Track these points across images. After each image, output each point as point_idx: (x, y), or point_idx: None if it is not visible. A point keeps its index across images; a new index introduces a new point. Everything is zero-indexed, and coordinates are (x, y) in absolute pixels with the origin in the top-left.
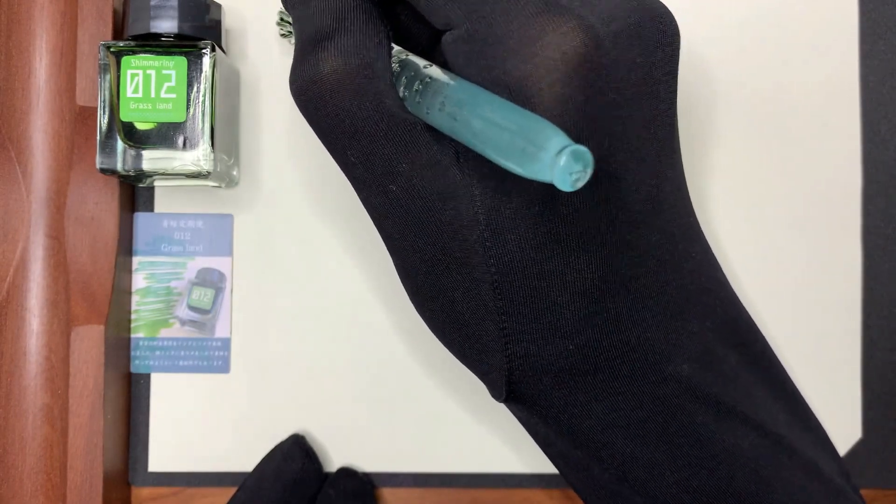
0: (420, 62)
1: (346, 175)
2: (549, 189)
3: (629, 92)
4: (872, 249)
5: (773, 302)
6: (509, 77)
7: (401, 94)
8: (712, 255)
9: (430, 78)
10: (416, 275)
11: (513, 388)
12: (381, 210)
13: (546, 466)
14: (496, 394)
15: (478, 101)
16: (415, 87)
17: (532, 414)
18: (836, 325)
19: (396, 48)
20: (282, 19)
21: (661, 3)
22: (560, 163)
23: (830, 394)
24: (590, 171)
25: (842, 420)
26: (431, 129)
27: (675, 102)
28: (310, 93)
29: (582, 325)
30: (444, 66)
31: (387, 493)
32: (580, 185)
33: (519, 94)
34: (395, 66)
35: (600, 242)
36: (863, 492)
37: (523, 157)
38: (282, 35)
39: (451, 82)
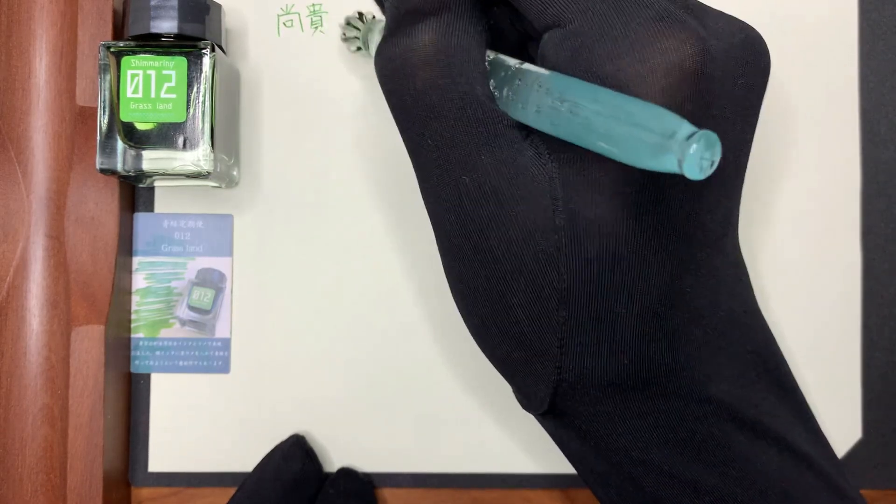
0: (512, 60)
1: (414, 160)
2: (637, 198)
3: (727, 112)
4: (872, 249)
5: (772, 302)
6: (622, 74)
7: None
8: (749, 278)
9: (529, 72)
10: (471, 277)
11: (556, 400)
12: (445, 203)
13: (546, 466)
14: (534, 406)
15: (589, 92)
16: (507, 85)
17: (568, 429)
18: (836, 325)
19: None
20: (349, 23)
21: (758, 31)
22: (690, 150)
23: (830, 394)
24: (717, 160)
25: (842, 420)
26: (518, 127)
27: (755, 132)
28: (399, 62)
29: (640, 339)
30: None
31: (387, 493)
32: (710, 172)
33: (628, 93)
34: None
35: (673, 258)
36: (863, 492)
37: (644, 146)
38: (344, 40)
39: (557, 74)
